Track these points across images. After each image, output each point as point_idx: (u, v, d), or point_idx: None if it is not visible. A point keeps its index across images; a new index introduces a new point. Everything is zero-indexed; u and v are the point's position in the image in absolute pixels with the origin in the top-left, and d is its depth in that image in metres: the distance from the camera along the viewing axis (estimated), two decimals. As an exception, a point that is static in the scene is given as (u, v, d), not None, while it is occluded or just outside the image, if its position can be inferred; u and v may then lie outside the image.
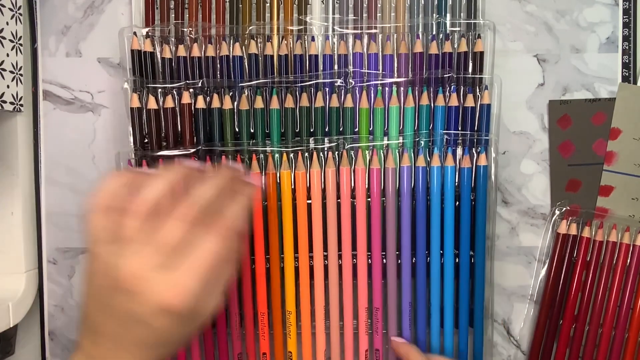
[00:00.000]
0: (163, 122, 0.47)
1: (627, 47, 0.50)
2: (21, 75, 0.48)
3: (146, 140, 0.47)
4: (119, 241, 0.34)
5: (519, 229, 0.51)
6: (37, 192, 0.51)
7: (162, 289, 0.33)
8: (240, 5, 0.48)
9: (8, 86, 0.46)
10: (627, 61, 0.50)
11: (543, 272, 0.51)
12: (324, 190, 0.46)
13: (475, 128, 0.47)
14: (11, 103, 0.47)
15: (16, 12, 0.47)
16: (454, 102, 0.47)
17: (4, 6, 0.46)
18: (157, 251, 0.33)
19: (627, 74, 0.50)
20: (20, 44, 0.48)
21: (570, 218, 0.50)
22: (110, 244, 0.34)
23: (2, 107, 0.46)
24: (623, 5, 0.50)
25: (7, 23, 0.46)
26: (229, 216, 0.35)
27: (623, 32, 0.50)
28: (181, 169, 0.36)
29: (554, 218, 0.50)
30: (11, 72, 0.47)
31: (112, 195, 0.35)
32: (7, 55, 0.46)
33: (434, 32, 0.48)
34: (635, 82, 0.50)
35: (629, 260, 0.48)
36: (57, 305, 0.51)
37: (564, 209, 0.50)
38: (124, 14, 0.50)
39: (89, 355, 0.35)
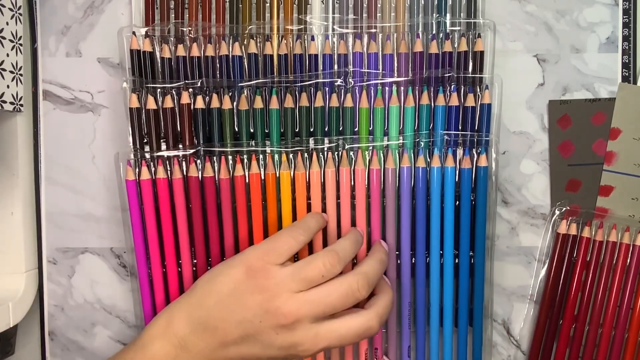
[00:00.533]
0: (162, 122, 0.47)
1: (627, 47, 0.50)
2: (21, 75, 0.48)
3: (145, 140, 0.47)
4: (298, 278, 0.39)
5: (519, 229, 0.51)
6: (37, 192, 0.51)
7: (309, 338, 0.39)
8: (240, 6, 0.48)
9: (8, 86, 0.46)
10: (627, 61, 0.50)
11: (543, 272, 0.51)
12: (323, 191, 0.46)
13: (476, 128, 0.47)
14: (11, 103, 0.47)
15: (16, 12, 0.47)
16: (454, 101, 0.47)
17: (4, 6, 0.46)
18: (320, 308, 0.39)
19: (627, 74, 0.50)
20: (20, 44, 0.48)
21: (570, 218, 0.50)
22: (293, 274, 0.39)
23: (2, 107, 0.46)
24: (623, 5, 0.50)
25: (7, 23, 0.46)
26: (382, 305, 0.41)
27: (623, 32, 0.50)
28: (361, 237, 0.44)
29: (554, 218, 0.50)
30: (11, 72, 0.47)
31: (307, 229, 0.42)
32: (7, 55, 0.46)
33: (434, 32, 0.48)
34: (635, 82, 0.50)
35: (629, 260, 0.48)
36: (57, 305, 0.51)
37: (564, 209, 0.50)
38: (124, 14, 0.50)
39: (182, 340, 0.40)
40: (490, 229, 0.49)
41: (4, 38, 0.46)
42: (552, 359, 0.50)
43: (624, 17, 0.50)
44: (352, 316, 0.40)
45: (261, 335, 0.39)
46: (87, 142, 0.50)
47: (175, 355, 0.40)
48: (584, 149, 0.50)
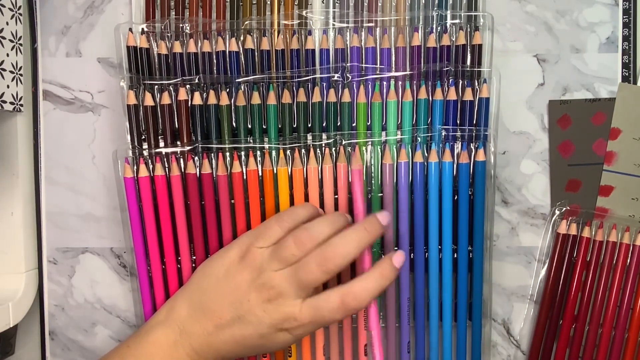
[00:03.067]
0: (160, 119, 0.47)
1: (627, 47, 0.50)
2: (21, 75, 0.48)
3: (143, 137, 0.47)
4: (276, 257, 0.40)
5: (519, 229, 0.51)
6: (37, 192, 0.51)
7: (294, 313, 0.39)
8: (241, 4, 0.48)
9: (8, 86, 0.46)
10: (627, 61, 0.50)
11: (543, 272, 0.51)
12: (321, 187, 0.46)
13: (474, 122, 0.47)
14: (11, 103, 0.47)
15: (16, 12, 0.47)
16: (452, 95, 0.47)
17: (4, 6, 0.46)
18: (302, 286, 0.39)
19: (627, 74, 0.50)
20: (20, 44, 0.48)
21: (570, 218, 0.50)
22: (271, 254, 0.40)
23: (2, 107, 0.46)
24: (623, 5, 0.50)
25: (7, 23, 0.46)
26: (360, 287, 0.40)
27: (623, 32, 0.50)
28: (343, 218, 0.42)
29: (554, 218, 0.50)
30: (11, 72, 0.47)
31: (294, 217, 0.42)
32: (7, 55, 0.46)
33: (433, 25, 0.47)
34: (635, 82, 0.50)
35: (629, 260, 0.48)
36: (57, 305, 0.51)
37: (564, 209, 0.50)
38: (124, 14, 0.50)
39: (181, 324, 0.42)
40: (489, 228, 0.48)
41: (4, 38, 0.46)
42: (552, 359, 0.50)
43: (624, 17, 0.50)
44: (329, 291, 0.40)
45: (250, 315, 0.40)
46: (87, 142, 0.50)
47: (174, 340, 0.41)
48: (584, 149, 0.50)
